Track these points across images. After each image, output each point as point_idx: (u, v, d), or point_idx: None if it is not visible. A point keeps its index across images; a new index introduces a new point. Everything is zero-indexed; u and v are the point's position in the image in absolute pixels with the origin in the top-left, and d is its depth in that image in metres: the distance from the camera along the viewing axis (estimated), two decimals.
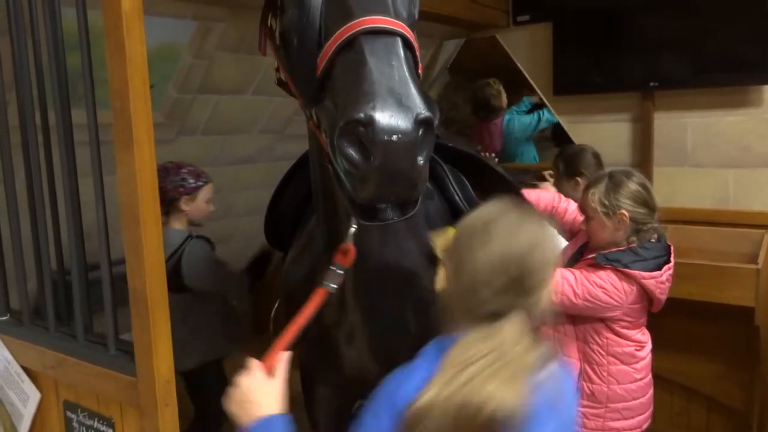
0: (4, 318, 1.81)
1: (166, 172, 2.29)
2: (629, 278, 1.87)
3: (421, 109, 0.98)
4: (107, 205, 1.44)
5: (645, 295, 1.92)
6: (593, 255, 1.92)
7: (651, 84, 3.03)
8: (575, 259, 2.05)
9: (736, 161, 2.96)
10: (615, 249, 1.92)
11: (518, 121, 4.15)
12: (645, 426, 2.02)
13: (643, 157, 3.14)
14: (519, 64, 3.50)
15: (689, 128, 3.06)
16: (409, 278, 1.51)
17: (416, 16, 1.23)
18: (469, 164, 1.77)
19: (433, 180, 1.67)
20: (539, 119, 4.02)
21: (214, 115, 2.91)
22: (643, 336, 2.00)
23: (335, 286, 1.27)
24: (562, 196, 2.36)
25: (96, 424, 1.52)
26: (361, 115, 0.95)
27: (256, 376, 1.06)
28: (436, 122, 1.03)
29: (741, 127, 2.93)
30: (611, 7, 3.11)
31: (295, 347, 1.16)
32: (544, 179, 2.93)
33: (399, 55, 1.04)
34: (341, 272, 1.28)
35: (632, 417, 1.98)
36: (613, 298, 1.87)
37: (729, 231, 2.90)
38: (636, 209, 1.90)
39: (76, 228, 1.51)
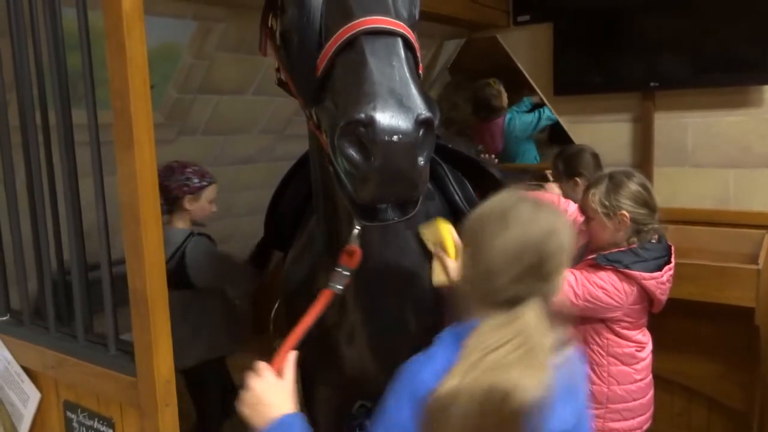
0: (5, 318, 1.80)
1: (171, 171, 2.30)
2: (630, 279, 1.87)
3: (421, 109, 0.98)
4: (107, 205, 1.44)
5: (645, 295, 1.92)
6: (594, 256, 1.92)
7: (651, 84, 3.03)
8: (576, 259, 2.05)
9: (736, 161, 2.96)
10: (615, 250, 1.91)
11: (519, 120, 4.15)
12: (645, 427, 2.02)
13: (643, 157, 3.14)
14: (519, 65, 3.50)
15: (689, 128, 3.06)
16: (409, 278, 1.52)
17: (417, 17, 1.24)
18: (469, 166, 1.77)
19: (433, 180, 1.67)
20: (540, 117, 4.03)
21: (215, 116, 2.91)
22: (644, 337, 2.00)
23: (341, 287, 1.28)
24: (562, 197, 2.36)
25: (96, 425, 1.52)
26: (362, 115, 0.95)
27: (267, 377, 1.07)
28: (436, 122, 1.03)
29: (741, 128, 2.93)
30: (611, 7, 3.11)
31: (296, 347, 1.16)
32: (545, 179, 2.92)
33: (399, 55, 1.04)
34: (347, 273, 1.28)
35: (632, 418, 1.97)
36: (613, 299, 1.87)
37: (729, 231, 2.90)
38: (636, 210, 1.90)
39: (77, 228, 1.51)
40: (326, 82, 1.08)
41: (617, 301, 1.88)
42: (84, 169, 1.47)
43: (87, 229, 1.53)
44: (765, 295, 2.47)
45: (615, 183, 1.93)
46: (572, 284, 1.87)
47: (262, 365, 1.08)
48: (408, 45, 1.08)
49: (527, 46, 3.44)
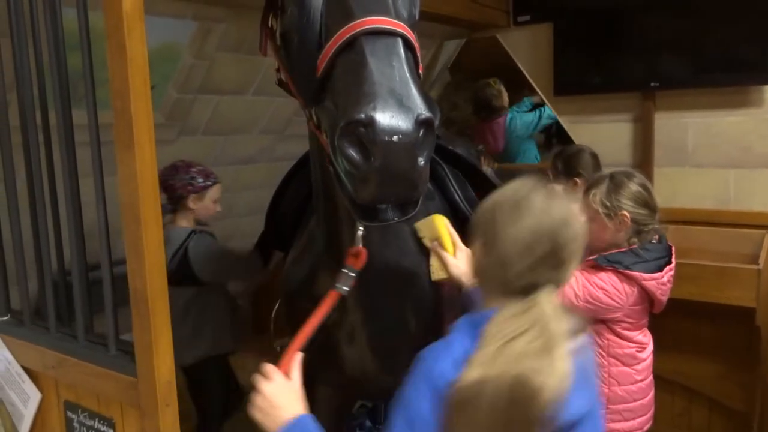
0: (5, 318, 1.81)
1: (175, 170, 2.31)
2: (630, 280, 1.87)
3: (421, 109, 0.98)
4: (108, 205, 1.44)
5: (646, 296, 1.92)
6: (594, 256, 1.92)
7: (651, 84, 3.03)
8: None
9: (736, 161, 2.96)
10: (616, 250, 1.91)
11: (520, 119, 4.16)
12: (646, 427, 2.02)
13: (643, 157, 3.14)
14: (519, 65, 3.50)
15: (690, 128, 3.06)
16: (409, 278, 1.51)
17: (417, 17, 1.23)
18: (468, 168, 1.77)
19: (433, 180, 1.67)
20: (540, 116, 4.04)
21: (215, 116, 2.91)
22: (645, 337, 1.99)
23: (347, 288, 1.28)
24: None
25: (96, 425, 1.52)
26: (362, 115, 0.95)
27: (276, 380, 1.07)
28: (436, 123, 1.03)
29: (742, 128, 2.93)
30: (612, 7, 3.11)
31: (303, 348, 1.17)
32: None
33: (400, 55, 1.04)
34: (353, 275, 1.28)
35: (633, 418, 1.97)
36: (614, 300, 1.87)
37: (730, 231, 2.90)
38: (637, 210, 1.90)
39: (77, 228, 1.51)
40: (326, 82, 1.08)
41: (618, 302, 1.88)
42: (84, 169, 1.47)
43: (87, 229, 1.53)
44: (765, 295, 2.47)
45: (616, 183, 1.93)
46: (572, 285, 1.87)
47: (270, 367, 1.08)
48: (408, 45, 1.08)
49: (527, 46, 3.44)
